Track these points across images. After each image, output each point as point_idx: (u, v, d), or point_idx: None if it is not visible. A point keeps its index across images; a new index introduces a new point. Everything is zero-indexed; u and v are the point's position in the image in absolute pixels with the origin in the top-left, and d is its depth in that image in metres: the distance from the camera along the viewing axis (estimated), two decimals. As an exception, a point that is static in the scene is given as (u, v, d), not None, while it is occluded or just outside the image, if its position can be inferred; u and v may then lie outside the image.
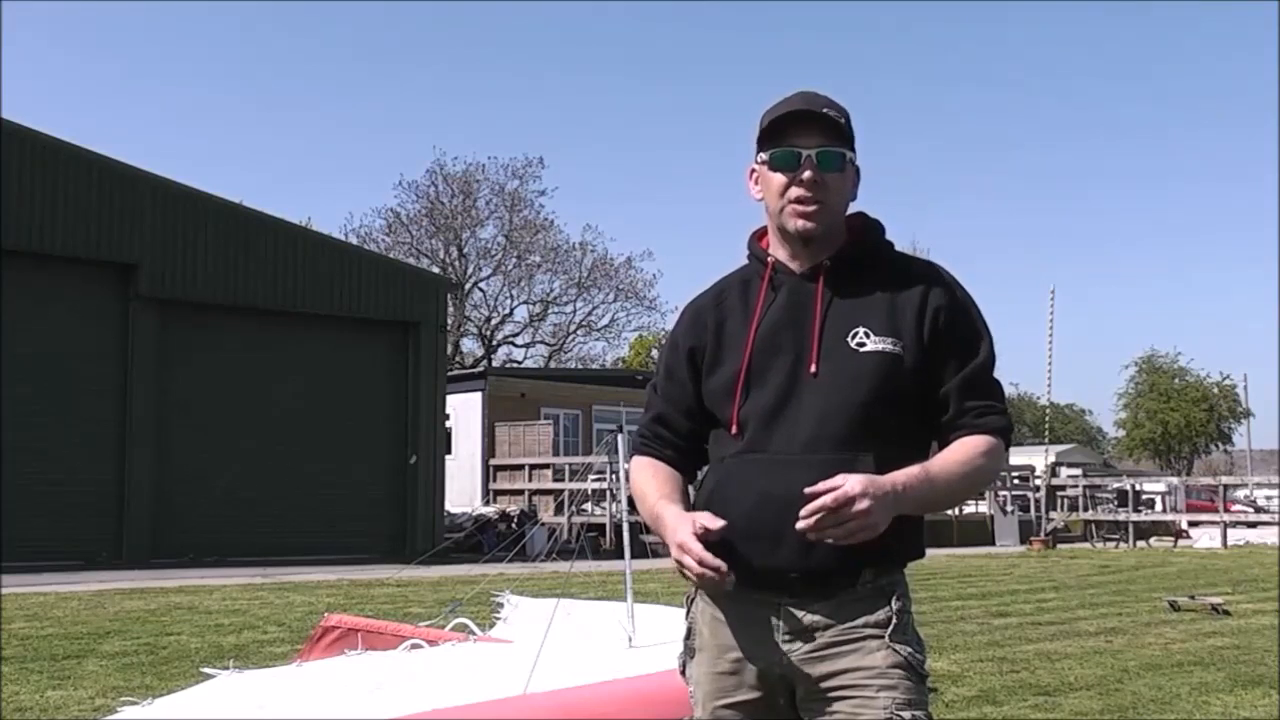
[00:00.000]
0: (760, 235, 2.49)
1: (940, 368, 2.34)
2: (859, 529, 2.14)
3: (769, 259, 2.43)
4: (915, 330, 2.34)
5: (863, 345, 2.32)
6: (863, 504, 2.12)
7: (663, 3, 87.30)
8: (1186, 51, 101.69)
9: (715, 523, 2.22)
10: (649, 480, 2.46)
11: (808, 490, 2.15)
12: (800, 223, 2.35)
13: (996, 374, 2.41)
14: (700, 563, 2.20)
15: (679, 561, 2.25)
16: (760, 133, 2.39)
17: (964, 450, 2.32)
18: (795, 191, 2.34)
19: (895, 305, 2.35)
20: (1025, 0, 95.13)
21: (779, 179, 2.36)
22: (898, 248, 2.49)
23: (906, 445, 2.30)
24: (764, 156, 2.38)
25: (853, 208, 2.46)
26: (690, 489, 2.48)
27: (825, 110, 2.34)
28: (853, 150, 2.39)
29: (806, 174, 2.33)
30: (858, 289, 2.37)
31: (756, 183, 2.43)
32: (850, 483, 2.13)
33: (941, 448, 2.36)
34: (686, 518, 2.28)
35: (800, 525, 2.14)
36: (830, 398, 2.29)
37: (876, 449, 2.25)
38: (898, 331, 2.33)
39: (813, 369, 2.32)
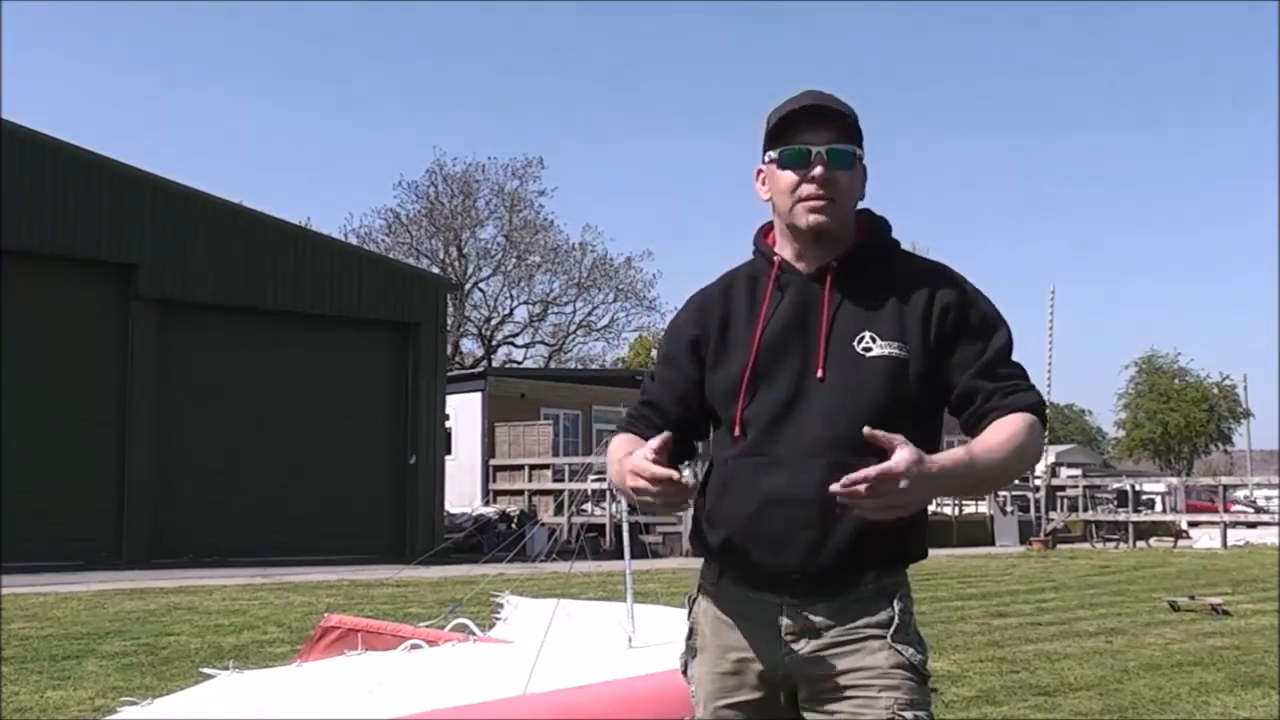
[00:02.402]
0: (766, 232, 2.46)
1: (957, 363, 2.30)
2: (892, 505, 2.05)
3: (775, 257, 2.40)
4: (921, 333, 2.31)
5: (869, 350, 2.29)
6: (904, 483, 2.03)
7: (663, 3, 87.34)
8: (1187, 51, 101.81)
9: (657, 443, 2.18)
10: (621, 447, 2.36)
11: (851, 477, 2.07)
12: (812, 218, 2.31)
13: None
14: (652, 479, 2.14)
15: (632, 488, 2.18)
16: (769, 130, 2.35)
17: (1003, 430, 2.24)
18: (806, 189, 2.30)
19: (902, 308, 2.32)
20: (1025, 0, 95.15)
21: (789, 177, 2.32)
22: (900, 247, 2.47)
23: None
24: (773, 154, 2.35)
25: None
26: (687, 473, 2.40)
27: (835, 107, 2.32)
28: (861, 148, 2.36)
29: (817, 170, 2.29)
30: (864, 291, 2.34)
31: (764, 183, 2.40)
32: (898, 459, 2.02)
33: (974, 435, 2.27)
34: (640, 447, 2.22)
35: (834, 487, 2.04)
36: (836, 402, 2.27)
37: (882, 453, 2.19)
38: (904, 335, 2.30)
39: (819, 373, 2.29)
